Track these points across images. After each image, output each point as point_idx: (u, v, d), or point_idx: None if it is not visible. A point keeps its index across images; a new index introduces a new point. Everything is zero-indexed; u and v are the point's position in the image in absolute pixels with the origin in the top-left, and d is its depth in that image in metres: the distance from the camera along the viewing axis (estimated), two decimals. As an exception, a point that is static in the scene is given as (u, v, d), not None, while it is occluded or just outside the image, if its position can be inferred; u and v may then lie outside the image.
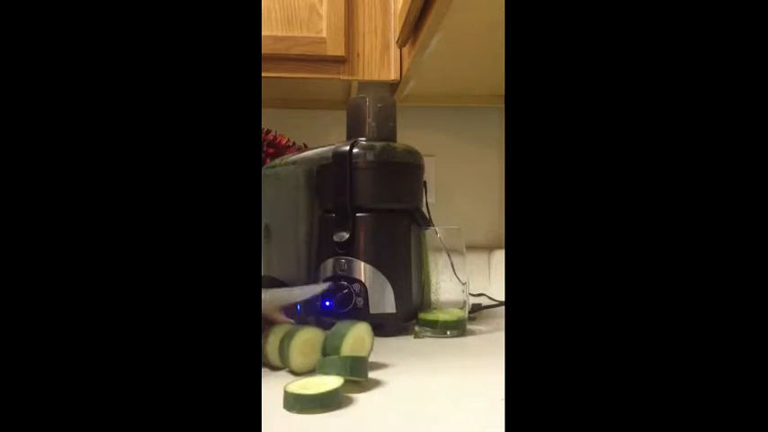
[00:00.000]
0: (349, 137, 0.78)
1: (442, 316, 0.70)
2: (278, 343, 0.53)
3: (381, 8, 1.02)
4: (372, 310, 0.70)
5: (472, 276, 0.79)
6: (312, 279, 0.75)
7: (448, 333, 0.69)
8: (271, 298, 0.58)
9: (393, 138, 0.79)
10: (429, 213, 0.78)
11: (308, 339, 0.53)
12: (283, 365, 0.52)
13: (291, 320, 0.62)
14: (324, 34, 0.99)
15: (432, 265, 0.71)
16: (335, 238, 0.72)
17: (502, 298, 0.95)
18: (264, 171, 0.81)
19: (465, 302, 0.71)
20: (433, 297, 0.71)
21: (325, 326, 0.57)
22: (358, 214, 0.72)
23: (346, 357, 0.48)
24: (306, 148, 0.97)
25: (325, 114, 1.20)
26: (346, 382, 0.46)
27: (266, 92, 1.08)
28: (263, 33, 0.95)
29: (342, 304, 0.70)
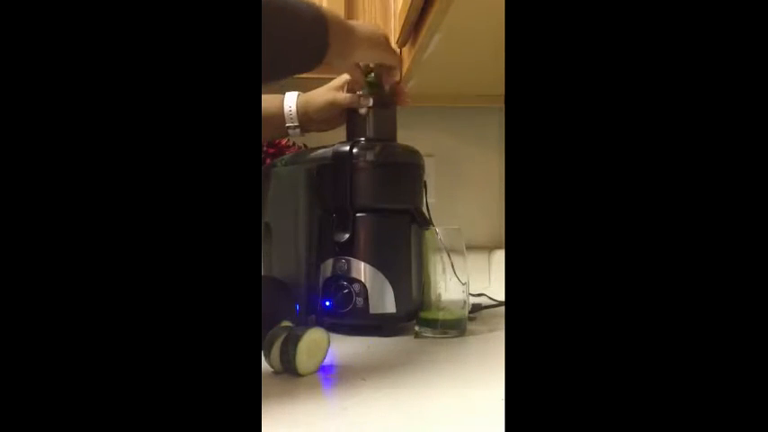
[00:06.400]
0: (349, 137, 0.78)
1: (442, 315, 0.70)
2: (279, 346, 0.52)
3: (381, 8, 1.02)
4: (372, 310, 0.70)
5: (472, 276, 0.78)
6: (312, 279, 0.75)
7: (448, 333, 0.69)
8: None
9: (393, 138, 0.79)
10: (429, 213, 0.78)
11: (313, 340, 0.53)
12: (283, 369, 0.52)
13: None
14: (324, 34, 0.99)
15: (432, 265, 0.71)
16: (335, 239, 0.72)
17: (502, 298, 0.95)
18: (264, 171, 0.81)
19: (465, 302, 0.71)
20: (433, 297, 0.71)
21: (326, 326, 0.57)
22: (358, 214, 0.72)
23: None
24: (306, 148, 0.97)
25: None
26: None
27: (266, 92, 1.07)
28: (263, 33, 0.95)
29: (342, 304, 0.70)
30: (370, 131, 0.76)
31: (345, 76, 0.79)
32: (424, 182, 0.79)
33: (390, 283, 0.71)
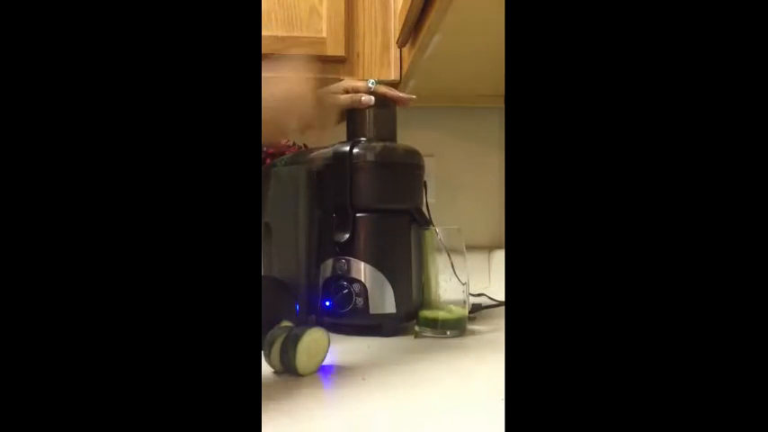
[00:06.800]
0: (349, 137, 0.78)
1: (442, 314, 0.70)
2: (279, 346, 0.52)
3: (381, 8, 1.02)
4: (372, 310, 0.70)
5: (472, 276, 0.78)
6: (312, 279, 0.75)
7: (448, 333, 0.69)
8: None
9: (393, 138, 0.79)
10: (429, 213, 0.78)
11: (314, 340, 0.53)
12: (283, 369, 0.52)
13: None
14: (324, 34, 0.99)
15: (432, 265, 0.71)
16: (335, 239, 0.72)
17: (502, 298, 0.95)
18: (264, 171, 0.81)
19: (465, 302, 0.71)
20: (433, 297, 0.71)
21: (326, 326, 0.57)
22: (358, 214, 0.72)
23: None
24: (306, 148, 0.97)
25: (325, 114, 1.19)
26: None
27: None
28: (263, 33, 0.95)
29: (342, 304, 0.70)
30: (370, 131, 0.76)
31: (344, 82, 0.79)
32: (424, 182, 0.79)
33: (390, 283, 0.71)
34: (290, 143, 1.06)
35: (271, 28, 0.97)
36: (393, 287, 0.71)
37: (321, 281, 0.74)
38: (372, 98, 0.76)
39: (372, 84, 0.77)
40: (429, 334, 0.70)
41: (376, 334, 0.70)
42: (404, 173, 0.75)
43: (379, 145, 0.74)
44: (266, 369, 0.53)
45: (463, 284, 0.70)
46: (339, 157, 0.73)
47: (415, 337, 0.70)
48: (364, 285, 0.70)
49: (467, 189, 1.25)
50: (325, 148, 0.77)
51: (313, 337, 0.53)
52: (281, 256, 0.78)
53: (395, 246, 0.73)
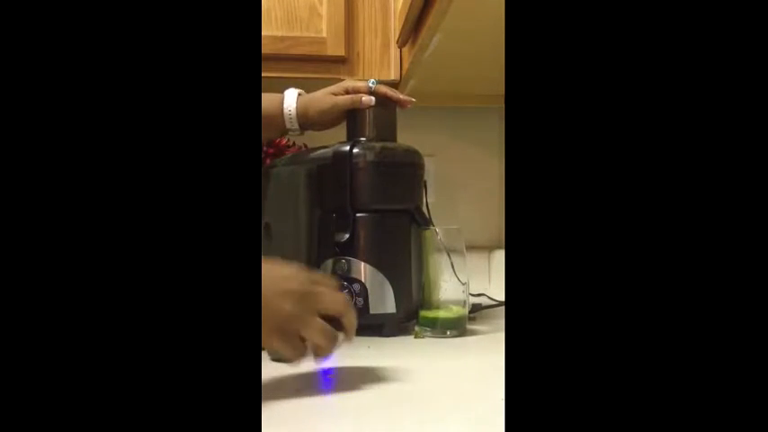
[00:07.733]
0: (349, 137, 0.78)
1: (442, 314, 0.70)
2: None
3: (381, 8, 1.02)
4: (372, 310, 0.70)
5: (472, 276, 0.78)
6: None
7: (448, 333, 0.69)
8: None
9: (393, 138, 0.79)
10: (429, 213, 0.78)
11: None
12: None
13: None
14: (324, 34, 0.99)
15: (432, 265, 0.71)
16: (336, 239, 0.72)
17: (502, 298, 0.95)
18: (264, 171, 0.81)
19: (465, 302, 0.71)
20: (433, 297, 0.71)
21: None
22: (358, 214, 0.72)
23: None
24: (306, 148, 0.97)
25: (325, 114, 1.19)
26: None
27: (266, 92, 1.07)
28: (263, 33, 0.95)
29: (342, 304, 0.70)
30: (370, 131, 0.76)
31: (345, 82, 0.79)
32: (424, 182, 0.79)
33: (390, 283, 0.71)
34: (291, 143, 1.06)
35: (271, 28, 0.97)
36: (393, 287, 0.71)
37: (321, 281, 0.73)
38: (373, 98, 0.76)
39: (373, 84, 0.78)
40: (429, 334, 0.70)
41: (376, 334, 0.70)
42: (404, 173, 0.75)
43: (379, 145, 0.74)
44: (266, 370, 0.53)
45: (463, 284, 0.70)
46: (339, 157, 0.73)
47: (415, 337, 0.70)
48: (364, 285, 0.70)
49: (467, 189, 1.25)
50: (325, 148, 0.77)
51: None
52: (281, 256, 0.78)
53: (395, 246, 0.73)
